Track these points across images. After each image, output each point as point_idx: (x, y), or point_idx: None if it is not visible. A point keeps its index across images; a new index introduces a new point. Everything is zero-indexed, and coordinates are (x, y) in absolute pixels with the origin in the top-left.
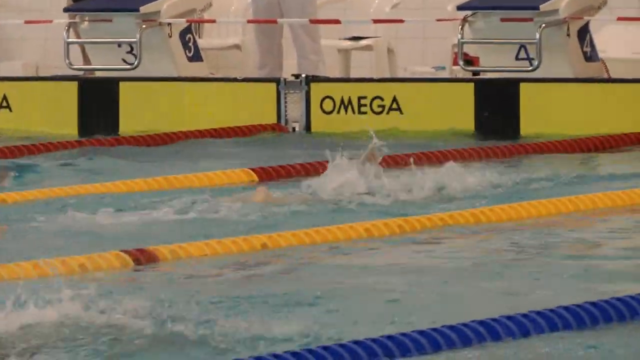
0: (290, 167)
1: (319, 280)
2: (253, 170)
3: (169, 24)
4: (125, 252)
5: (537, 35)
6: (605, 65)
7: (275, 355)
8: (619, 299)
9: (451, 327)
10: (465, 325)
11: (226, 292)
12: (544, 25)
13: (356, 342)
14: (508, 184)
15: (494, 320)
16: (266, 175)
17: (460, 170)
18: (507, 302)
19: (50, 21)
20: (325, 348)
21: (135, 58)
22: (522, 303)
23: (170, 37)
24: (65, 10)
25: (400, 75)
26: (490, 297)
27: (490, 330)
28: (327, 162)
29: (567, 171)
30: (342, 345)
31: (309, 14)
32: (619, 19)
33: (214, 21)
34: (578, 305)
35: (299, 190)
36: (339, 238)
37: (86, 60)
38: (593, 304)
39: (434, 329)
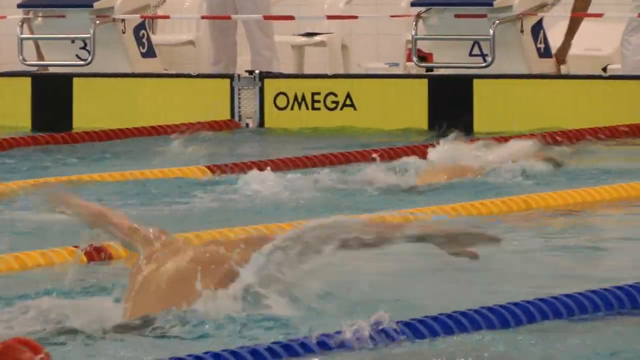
0: (243, 164)
1: None
2: (207, 166)
3: (123, 19)
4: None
5: (491, 32)
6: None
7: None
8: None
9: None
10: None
11: None
12: (497, 21)
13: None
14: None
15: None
16: (220, 171)
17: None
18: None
19: (4, 17)
20: None
21: (89, 54)
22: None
23: (124, 33)
24: (19, 6)
25: (354, 71)
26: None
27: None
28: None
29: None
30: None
31: (263, 10)
32: (573, 15)
33: (167, 17)
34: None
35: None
36: None
37: (40, 56)
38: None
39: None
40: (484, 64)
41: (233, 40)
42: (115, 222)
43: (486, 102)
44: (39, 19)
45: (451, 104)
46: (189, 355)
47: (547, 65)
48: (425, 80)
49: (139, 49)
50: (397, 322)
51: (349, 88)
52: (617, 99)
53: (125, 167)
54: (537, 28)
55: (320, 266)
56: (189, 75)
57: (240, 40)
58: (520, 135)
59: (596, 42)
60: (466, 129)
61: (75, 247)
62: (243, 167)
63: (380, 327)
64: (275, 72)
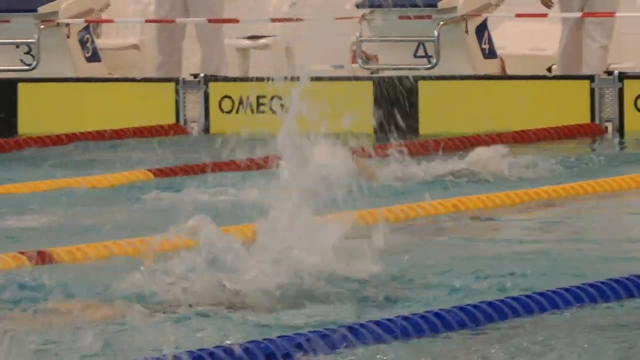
0: (189, 168)
1: None
2: (151, 171)
3: (67, 24)
4: (23, 253)
5: (436, 33)
6: (503, 62)
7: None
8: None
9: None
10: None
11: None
12: (442, 22)
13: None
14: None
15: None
16: (164, 175)
17: None
18: None
19: None
20: None
21: (34, 59)
22: None
23: (69, 37)
24: None
25: (299, 74)
26: None
27: None
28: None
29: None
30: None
31: (216, 14)
32: (517, 15)
33: (112, 21)
34: None
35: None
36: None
37: None
38: None
39: None
40: (429, 65)
41: (179, 45)
42: None
43: (431, 104)
44: None
45: (396, 106)
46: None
47: (492, 66)
48: (370, 82)
49: (84, 54)
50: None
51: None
52: (562, 99)
53: (70, 172)
54: (482, 29)
55: None
56: (133, 80)
57: (185, 44)
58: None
59: (540, 42)
60: (411, 130)
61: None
62: (188, 171)
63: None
64: (220, 75)
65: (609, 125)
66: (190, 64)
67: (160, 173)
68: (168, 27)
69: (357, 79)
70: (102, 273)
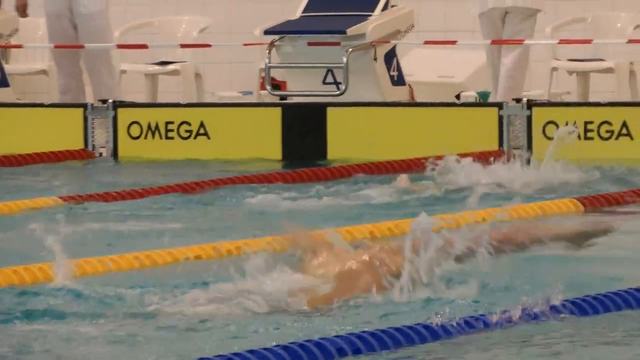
0: (97, 194)
1: None
2: (60, 197)
3: None
4: None
5: (344, 60)
6: (412, 89)
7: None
8: None
9: None
10: None
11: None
12: (351, 49)
13: None
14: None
15: None
16: (73, 201)
17: None
18: None
19: None
20: None
21: None
22: None
23: None
24: None
25: (208, 100)
26: None
27: None
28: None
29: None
30: None
31: (104, 39)
32: (426, 42)
33: (20, 46)
34: None
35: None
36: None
37: None
38: None
39: None
40: (338, 92)
41: (79, 69)
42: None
43: (340, 130)
44: None
45: (305, 132)
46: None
47: (401, 93)
48: (279, 109)
49: None
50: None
51: (203, 117)
52: (470, 126)
53: None
54: (390, 56)
55: None
56: (41, 105)
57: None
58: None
59: (449, 69)
60: (320, 156)
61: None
62: (96, 197)
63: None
64: (128, 101)
65: (518, 153)
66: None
67: (69, 199)
68: (64, 50)
69: (265, 105)
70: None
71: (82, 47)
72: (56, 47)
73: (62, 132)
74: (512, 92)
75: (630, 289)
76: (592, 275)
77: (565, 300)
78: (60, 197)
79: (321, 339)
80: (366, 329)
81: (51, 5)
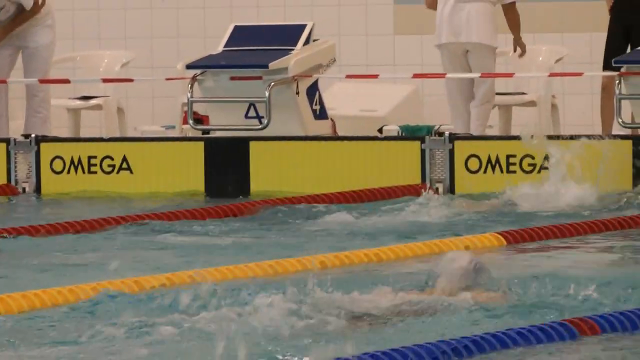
0: (22, 229)
1: None
2: None
3: None
4: None
5: (267, 94)
6: (334, 123)
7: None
8: None
9: None
10: None
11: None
12: (272, 83)
13: None
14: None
15: None
16: None
17: None
18: None
19: None
20: None
21: None
22: None
23: None
24: None
25: (130, 134)
26: None
27: None
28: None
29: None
30: None
31: (45, 72)
32: (348, 76)
33: None
34: None
35: None
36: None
37: None
38: None
39: None
40: (260, 126)
41: (6, 103)
42: None
43: (262, 164)
44: None
45: (228, 166)
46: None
47: (323, 127)
48: (202, 143)
49: None
50: None
51: (126, 151)
52: (393, 160)
53: None
54: (313, 90)
55: None
56: None
57: (13, 102)
58: None
59: (371, 103)
60: (242, 191)
61: None
62: (20, 231)
63: None
64: (51, 136)
65: (440, 186)
66: (20, 125)
67: None
68: None
69: (188, 139)
70: None
71: (4, 82)
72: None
73: None
74: (483, 128)
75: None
76: None
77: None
78: None
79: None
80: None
81: None
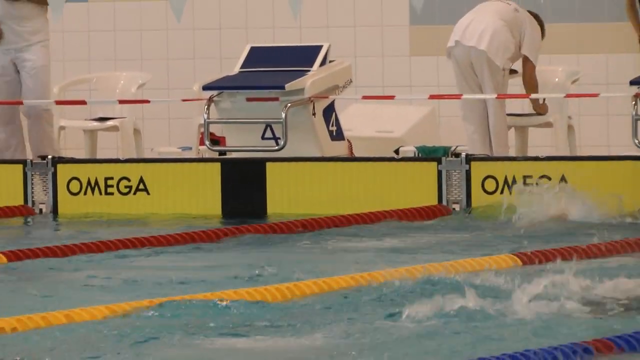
0: (39, 250)
1: None
2: (2, 252)
3: None
4: None
5: (283, 115)
6: (350, 144)
7: None
8: None
9: None
10: None
11: None
12: (289, 104)
13: None
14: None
15: None
16: (15, 257)
17: None
18: None
19: None
20: None
21: None
22: None
23: None
24: None
25: (147, 155)
26: None
27: None
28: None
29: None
30: None
31: (47, 95)
32: (364, 97)
33: None
34: None
35: None
36: None
37: None
38: None
39: None
40: (277, 147)
41: (19, 125)
42: None
43: (279, 185)
44: None
45: (244, 187)
46: None
47: (340, 148)
48: (218, 164)
49: None
50: None
51: (142, 172)
52: (409, 181)
53: None
54: (329, 111)
55: None
56: None
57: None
58: None
59: (388, 124)
60: (259, 211)
61: None
62: (38, 253)
63: None
64: (67, 157)
65: (457, 207)
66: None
67: (12, 255)
68: (5, 107)
69: (205, 160)
70: None
71: (21, 103)
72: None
73: (1, 188)
74: (500, 148)
75: None
76: None
77: None
78: (3, 253)
79: None
80: None
81: None
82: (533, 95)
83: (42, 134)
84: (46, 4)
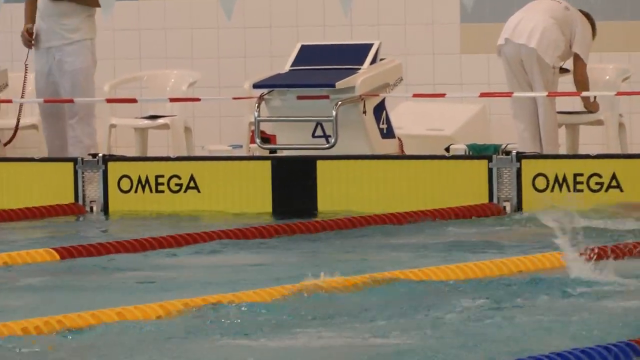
0: (91, 247)
1: None
2: (55, 249)
3: None
4: None
5: (334, 113)
6: (401, 142)
7: None
8: None
9: None
10: None
11: None
12: (340, 102)
13: None
14: None
15: None
16: (68, 254)
17: None
18: None
19: None
20: None
21: None
22: None
23: None
24: None
25: (198, 153)
26: None
27: None
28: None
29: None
30: None
31: (82, 93)
32: (415, 95)
33: (10, 101)
34: None
35: None
36: None
37: None
38: None
39: None
40: (327, 145)
41: (63, 125)
42: None
43: (330, 183)
44: None
45: (295, 185)
46: None
47: (390, 146)
48: (269, 162)
49: None
50: None
51: (193, 170)
52: (460, 179)
53: None
54: (380, 109)
55: None
56: (32, 159)
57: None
58: None
59: (438, 122)
60: (310, 209)
61: None
62: (91, 250)
63: None
64: (118, 155)
65: (507, 205)
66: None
67: (65, 252)
68: (48, 106)
69: (255, 158)
70: None
71: (71, 101)
72: (46, 101)
73: (52, 186)
74: (551, 146)
75: None
76: None
77: None
78: (55, 249)
79: None
80: None
81: (39, 63)
82: (584, 93)
83: (78, 137)
84: (90, 4)
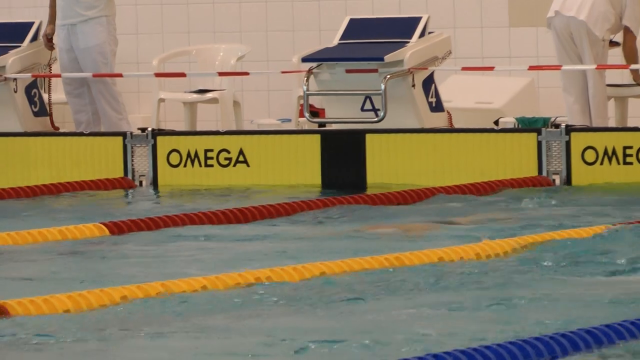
0: (141, 221)
1: None
2: (104, 224)
3: (15, 79)
4: None
5: (382, 86)
6: (450, 115)
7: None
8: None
9: None
10: None
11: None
12: (388, 76)
13: None
14: None
15: None
16: (118, 229)
17: None
18: None
19: None
20: None
21: None
22: None
23: (16, 92)
24: None
25: (247, 127)
26: None
27: None
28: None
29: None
30: None
31: (104, 69)
32: (464, 68)
33: (59, 76)
34: None
35: None
36: None
37: None
38: None
39: None
40: (376, 119)
41: (88, 100)
42: None
43: (378, 157)
44: None
45: (344, 159)
46: None
47: (439, 119)
48: (318, 136)
49: (31, 108)
50: None
51: (242, 144)
52: (509, 152)
53: (21, 227)
54: (428, 82)
55: None
56: (81, 134)
57: (129, 97)
58: None
59: (487, 95)
60: (359, 182)
61: None
62: (141, 225)
63: None
64: (167, 129)
65: (557, 178)
66: (137, 119)
67: (114, 227)
68: (71, 83)
69: (304, 132)
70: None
71: (120, 75)
72: (94, 76)
73: (101, 160)
74: (600, 119)
75: None
76: None
77: None
78: (104, 224)
79: None
80: None
81: (60, 39)
82: (633, 66)
83: (104, 112)
84: None
